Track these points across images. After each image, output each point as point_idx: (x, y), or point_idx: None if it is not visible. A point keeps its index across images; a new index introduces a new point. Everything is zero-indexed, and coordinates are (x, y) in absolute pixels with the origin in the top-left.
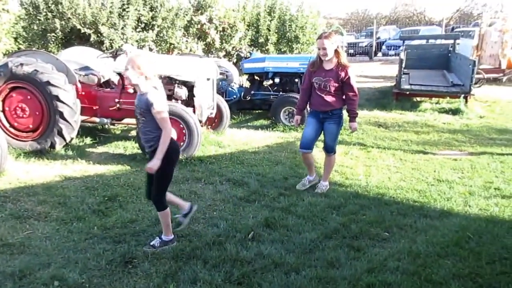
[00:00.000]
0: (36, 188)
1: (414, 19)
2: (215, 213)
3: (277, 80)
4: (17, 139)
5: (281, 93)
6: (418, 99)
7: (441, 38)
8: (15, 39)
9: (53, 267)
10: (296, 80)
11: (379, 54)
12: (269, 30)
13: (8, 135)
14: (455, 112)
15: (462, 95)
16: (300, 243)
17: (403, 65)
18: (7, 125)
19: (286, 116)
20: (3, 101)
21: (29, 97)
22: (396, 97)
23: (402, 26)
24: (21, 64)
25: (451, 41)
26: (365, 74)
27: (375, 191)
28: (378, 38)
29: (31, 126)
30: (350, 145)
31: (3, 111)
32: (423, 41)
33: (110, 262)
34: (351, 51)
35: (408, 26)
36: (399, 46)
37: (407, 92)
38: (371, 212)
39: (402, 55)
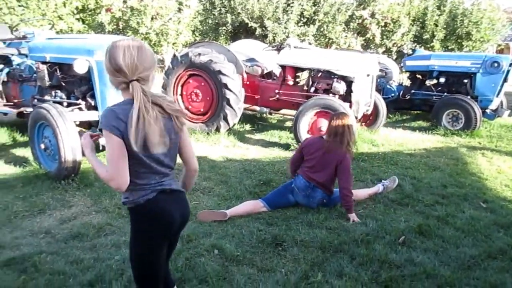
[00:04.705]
0: (203, 165)
1: None
2: (364, 211)
3: (442, 79)
4: (189, 121)
5: (445, 94)
6: None
7: None
8: (193, 31)
9: (213, 237)
10: (465, 80)
11: None
12: (437, 26)
13: None
14: None
15: None
16: (457, 257)
17: None
18: (183, 107)
19: (449, 120)
20: (182, 86)
21: (202, 83)
22: None
23: None
24: (199, 54)
25: None
26: None
27: None
28: None
29: (201, 110)
30: None
31: (181, 95)
32: None
33: (262, 241)
34: None
35: None
36: None
37: None
38: None
39: None
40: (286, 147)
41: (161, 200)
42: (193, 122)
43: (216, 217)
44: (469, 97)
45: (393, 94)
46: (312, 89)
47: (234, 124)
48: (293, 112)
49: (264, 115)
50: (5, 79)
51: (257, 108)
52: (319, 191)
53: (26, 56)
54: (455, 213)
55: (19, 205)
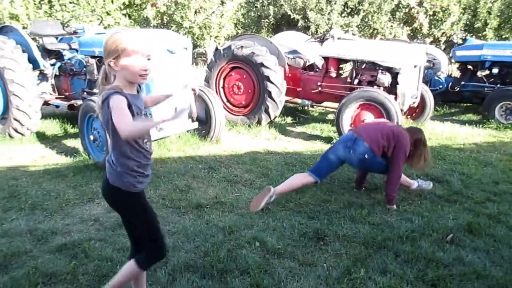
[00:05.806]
0: (244, 157)
1: None
2: (409, 207)
3: (495, 70)
4: (231, 113)
5: (498, 85)
6: None
7: None
8: (235, 24)
9: (255, 229)
10: None
11: None
12: (490, 14)
13: (225, 109)
14: None
15: None
16: (510, 258)
17: None
18: (225, 100)
19: (502, 112)
20: (224, 79)
21: (244, 76)
22: None
23: None
24: (241, 47)
25: None
26: None
27: None
28: None
29: (243, 102)
30: None
31: (223, 87)
32: None
33: (303, 235)
34: None
35: None
36: None
37: None
38: None
39: None
40: (328, 140)
41: None
42: (235, 115)
43: (263, 198)
44: None
45: (441, 86)
46: (356, 81)
47: (276, 117)
48: (336, 104)
49: (306, 107)
50: (57, 73)
51: (299, 100)
52: (362, 145)
53: (77, 50)
54: (508, 211)
55: (70, 193)
